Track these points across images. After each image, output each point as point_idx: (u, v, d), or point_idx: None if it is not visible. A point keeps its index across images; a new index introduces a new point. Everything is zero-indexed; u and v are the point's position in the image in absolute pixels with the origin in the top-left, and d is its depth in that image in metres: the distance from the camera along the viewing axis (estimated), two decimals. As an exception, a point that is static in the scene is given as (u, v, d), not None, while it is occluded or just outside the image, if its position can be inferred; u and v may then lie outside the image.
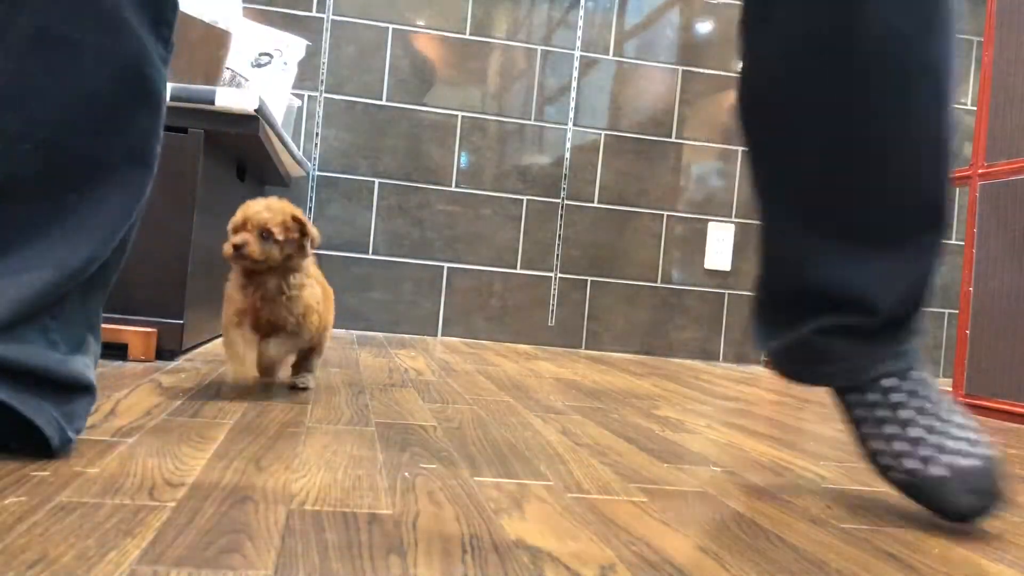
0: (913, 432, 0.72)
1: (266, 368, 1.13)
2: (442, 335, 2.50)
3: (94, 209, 0.71)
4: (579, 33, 2.57)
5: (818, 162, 0.77)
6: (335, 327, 2.34)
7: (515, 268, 2.54)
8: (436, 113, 2.50)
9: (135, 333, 1.35)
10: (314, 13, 2.42)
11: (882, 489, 0.85)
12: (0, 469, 0.63)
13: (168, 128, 1.43)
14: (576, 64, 2.57)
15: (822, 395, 1.81)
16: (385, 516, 0.60)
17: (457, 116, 2.51)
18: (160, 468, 0.68)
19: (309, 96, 2.42)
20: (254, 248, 1.00)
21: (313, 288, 1.10)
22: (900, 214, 0.76)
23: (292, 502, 0.61)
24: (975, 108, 2.84)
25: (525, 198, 2.55)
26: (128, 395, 1.01)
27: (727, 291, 2.66)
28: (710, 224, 2.64)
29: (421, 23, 2.49)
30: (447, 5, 2.50)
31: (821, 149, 0.77)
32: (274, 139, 1.71)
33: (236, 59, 1.95)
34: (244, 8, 2.36)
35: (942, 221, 0.77)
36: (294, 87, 2.36)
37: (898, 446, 0.73)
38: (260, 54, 2.00)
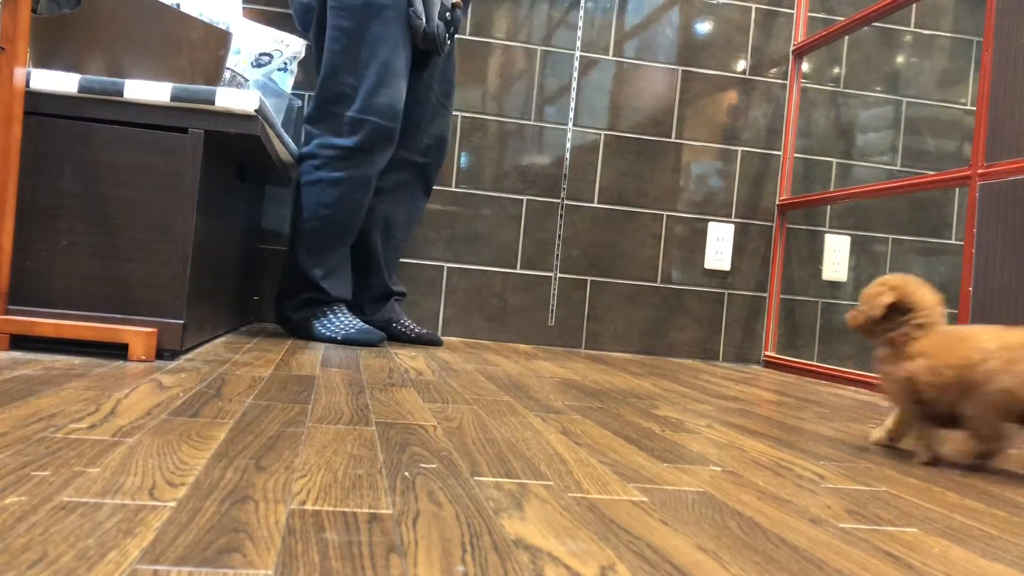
0: None
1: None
2: (442, 335, 2.50)
3: None
4: (579, 33, 2.58)
5: None
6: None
7: (515, 268, 2.54)
8: (436, 113, 2.49)
9: (135, 333, 1.35)
10: (314, 13, 2.42)
11: (882, 489, 0.85)
12: (0, 469, 0.63)
13: (168, 128, 1.44)
14: (576, 64, 2.57)
15: (823, 395, 1.81)
16: (385, 516, 0.60)
17: (457, 116, 2.51)
18: (160, 468, 0.68)
19: (309, 96, 2.42)
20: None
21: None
22: None
23: (292, 502, 0.61)
24: (975, 108, 2.84)
25: (525, 198, 2.55)
26: (128, 395, 1.01)
27: (727, 291, 2.66)
28: (710, 224, 2.64)
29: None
30: (447, 5, 2.50)
31: None
32: (274, 139, 1.71)
33: (236, 59, 1.95)
34: (244, 8, 2.36)
35: None
36: (294, 87, 2.36)
37: None
38: (260, 54, 2.00)
